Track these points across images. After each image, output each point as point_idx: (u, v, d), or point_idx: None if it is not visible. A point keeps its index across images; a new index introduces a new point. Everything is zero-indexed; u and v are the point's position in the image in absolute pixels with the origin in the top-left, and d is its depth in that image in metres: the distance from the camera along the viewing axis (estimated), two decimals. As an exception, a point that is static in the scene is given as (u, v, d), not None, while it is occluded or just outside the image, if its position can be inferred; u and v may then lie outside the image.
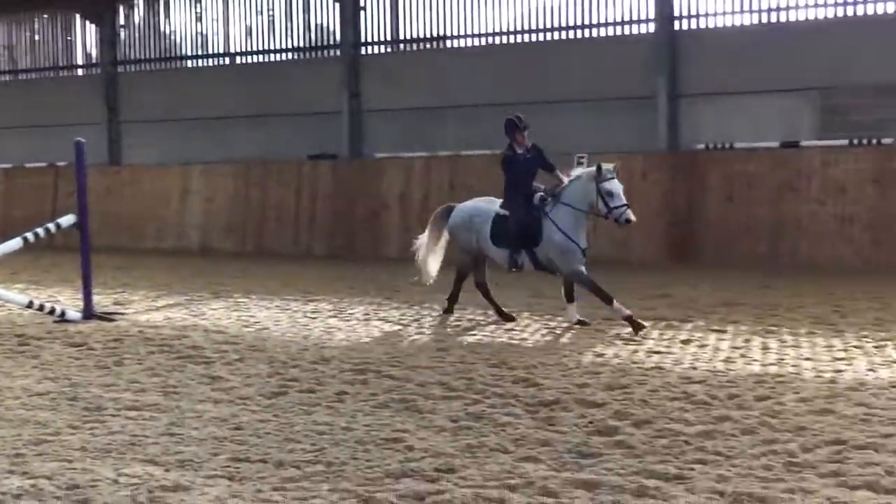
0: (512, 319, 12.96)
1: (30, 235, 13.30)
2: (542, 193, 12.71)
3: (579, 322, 12.43)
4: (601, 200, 12.26)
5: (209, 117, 27.11)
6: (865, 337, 11.36)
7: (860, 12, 20.08)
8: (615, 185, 12.24)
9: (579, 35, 22.85)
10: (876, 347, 10.75)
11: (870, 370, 9.52)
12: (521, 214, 12.69)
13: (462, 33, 24.29)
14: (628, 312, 11.95)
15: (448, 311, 13.56)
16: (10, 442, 7.18)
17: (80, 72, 30.23)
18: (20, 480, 6.26)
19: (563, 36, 23.01)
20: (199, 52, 28.23)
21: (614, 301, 12.06)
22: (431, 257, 13.73)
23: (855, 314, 13.04)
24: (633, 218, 12.22)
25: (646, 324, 11.94)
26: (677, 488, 5.99)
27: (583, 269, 12.41)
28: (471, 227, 13.18)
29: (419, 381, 9.31)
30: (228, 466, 6.63)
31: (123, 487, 6.16)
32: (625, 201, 12.23)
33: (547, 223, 12.58)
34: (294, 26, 26.68)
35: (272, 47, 27.05)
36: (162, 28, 28.66)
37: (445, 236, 13.73)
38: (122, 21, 28.90)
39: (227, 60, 27.69)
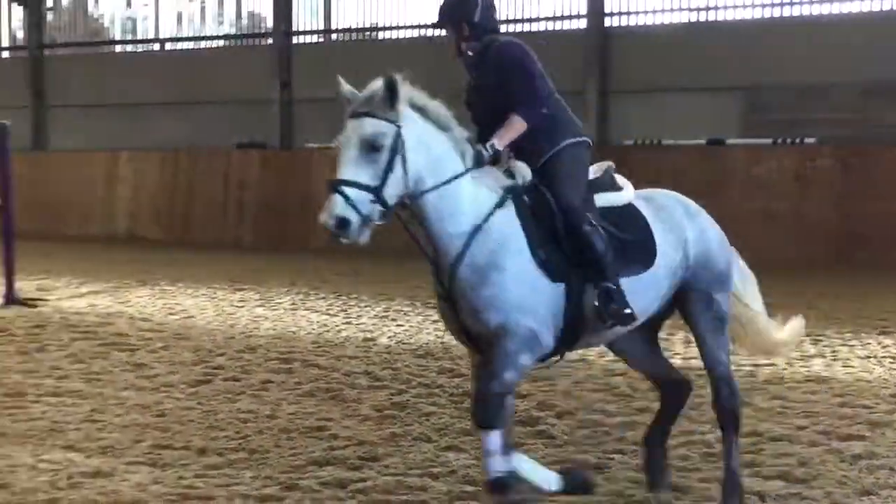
0: None
1: None
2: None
3: None
4: None
5: (138, 103, 26.79)
6: (785, 332, 11.57)
7: (786, 13, 20.43)
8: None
9: (511, 29, 22.96)
10: (794, 342, 10.97)
11: (787, 365, 9.72)
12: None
13: (394, 25, 24.33)
14: None
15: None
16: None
17: (5, 55, 29.74)
18: (-62, 466, 6.21)
19: (495, 30, 23.11)
20: (129, 38, 27.94)
21: None
22: None
23: (776, 310, 13.27)
24: None
25: None
26: (596, 477, 6.08)
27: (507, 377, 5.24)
28: None
29: (345, 370, 9.34)
30: (150, 453, 6.61)
31: (42, 473, 6.12)
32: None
33: None
34: (225, 14, 26.49)
35: (203, 34, 26.85)
36: (90, 12, 28.31)
37: None
38: (49, 3, 28.47)
39: (158, 46, 27.42)
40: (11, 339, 10.80)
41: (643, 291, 5.49)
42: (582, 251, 5.30)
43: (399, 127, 5.18)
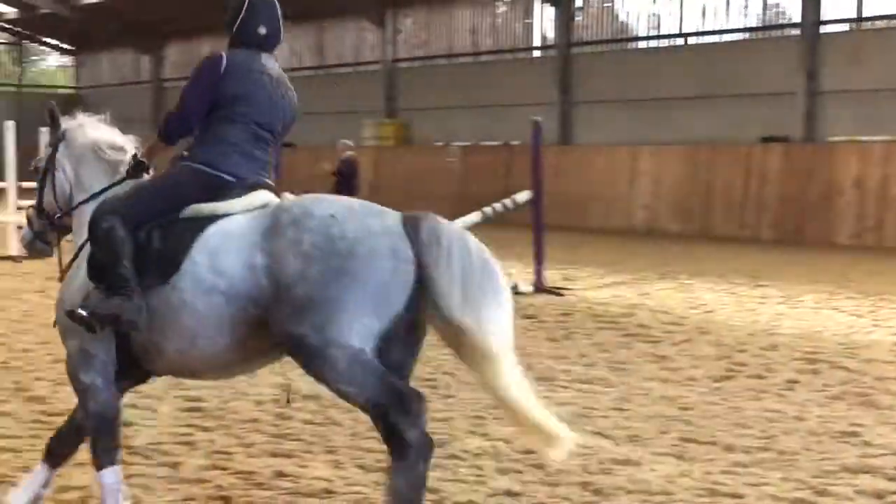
0: None
1: (488, 210, 13.92)
2: None
3: None
4: None
5: (659, 98, 27.15)
6: None
7: None
8: None
9: None
10: None
11: None
12: None
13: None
14: None
15: None
16: (470, 405, 7.57)
17: (536, 53, 31.29)
18: (480, 441, 6.60)
19: None
20: (653, 33, 28.40)
21: None
22: None
23: None
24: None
25: None
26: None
27: None
28: None
29: (876, 375, 8.87)
30: (677, 445, 6.63)
31: (574, 456, 6.32)
32: None
33: None
34: (749, 5, 26.17)
35: (726, 27, 26.72)
36: (616, 10, 29.07)
37: None
38: (578, 3, 29.60)
39: (681, 41, 27.65)
40: (541, 326, 11.31)
41: (166, 311, 4.75)
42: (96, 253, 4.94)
43: (53, 148, 5.45)
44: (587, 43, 29.69)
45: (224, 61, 5.11)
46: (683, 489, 5.79)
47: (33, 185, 5.53)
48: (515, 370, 4.64)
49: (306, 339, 4.51)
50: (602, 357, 9.58)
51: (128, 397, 7.54)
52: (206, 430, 6.80)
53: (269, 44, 5.26)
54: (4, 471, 5.83)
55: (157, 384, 8.05)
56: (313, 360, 4.55)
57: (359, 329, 4.50)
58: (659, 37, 28.26)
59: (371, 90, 34.64)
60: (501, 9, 32.02)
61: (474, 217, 13.88)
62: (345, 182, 21.26)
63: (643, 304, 13.04)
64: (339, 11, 35.96)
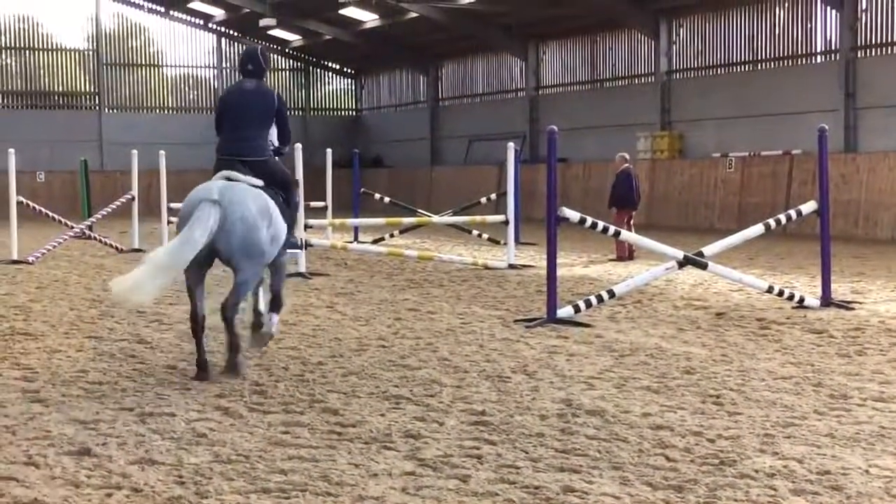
0: None
1: (771, 222, 13.52)
2: None
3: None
4: None
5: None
6: None
7: None
8: None
9: None
10: None
11: None
12: None
13: None
14: None
15: None
16: (758, 422, 7.35)
17: (818, 59, 30.18)
18: (772, 460, 6.39)
19: None
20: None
21: None
22: None
23: None
24: None
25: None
26: None
27: None
28: None
29: None
30: None
31: (875, 479, 6.03)
32: None
33: None
34: None
35: None
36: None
37: None
38: (863, 6, 28.36)
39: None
40: (830, 341, 10.86)
41: None
42: None
43: None
44: (873, 46, 28.40)
45: (225, 91, 10.09)
46: None
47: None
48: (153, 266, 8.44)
49: None
50: (888, 375, 9.11)
51: (415, 410, 7.77)
52: (492, 443, 6.87)
53: (255, 73, 9.69)
54: (304, 479, 6.07)
55: (443, 397, 8.25)
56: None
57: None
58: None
59: (645, 103, 34.36)
60: (780, 14, 31.05)
61: (757, 229, 13.51)
62: (619, 194, 21.12)
63: (939, 319, 12.31)
64: (611, 24, 35.84)
